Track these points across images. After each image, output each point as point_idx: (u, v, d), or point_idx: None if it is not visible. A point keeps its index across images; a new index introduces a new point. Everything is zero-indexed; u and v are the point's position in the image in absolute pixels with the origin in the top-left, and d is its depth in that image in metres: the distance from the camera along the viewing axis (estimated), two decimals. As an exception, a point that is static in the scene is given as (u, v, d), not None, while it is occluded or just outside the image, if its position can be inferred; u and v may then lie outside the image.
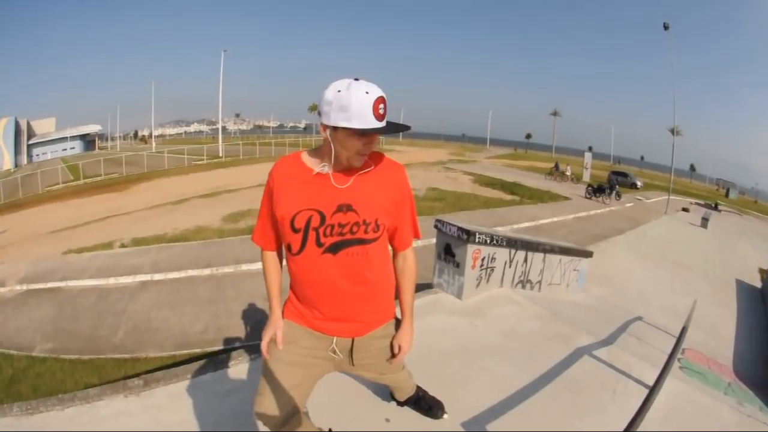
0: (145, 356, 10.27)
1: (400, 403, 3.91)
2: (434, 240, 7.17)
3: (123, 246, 18.53)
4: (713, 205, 52.60)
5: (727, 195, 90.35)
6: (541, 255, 8.41)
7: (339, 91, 2.24)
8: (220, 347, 10.42)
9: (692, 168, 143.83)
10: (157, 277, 14.78)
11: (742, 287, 15.91)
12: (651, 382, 4.62)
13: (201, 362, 4.60)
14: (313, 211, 2.49)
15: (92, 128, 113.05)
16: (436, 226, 6.85)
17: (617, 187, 40.05)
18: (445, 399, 4.01)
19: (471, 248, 6.51)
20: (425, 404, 3.89)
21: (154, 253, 17.30)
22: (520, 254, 7.82)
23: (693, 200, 56.31)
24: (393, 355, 2.90)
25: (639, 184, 59.30)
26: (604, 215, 31.46)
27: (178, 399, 4.07)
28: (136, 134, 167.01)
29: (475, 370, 4.79)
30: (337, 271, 2.55)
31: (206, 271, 14.97)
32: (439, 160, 60.17)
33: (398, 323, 2.97)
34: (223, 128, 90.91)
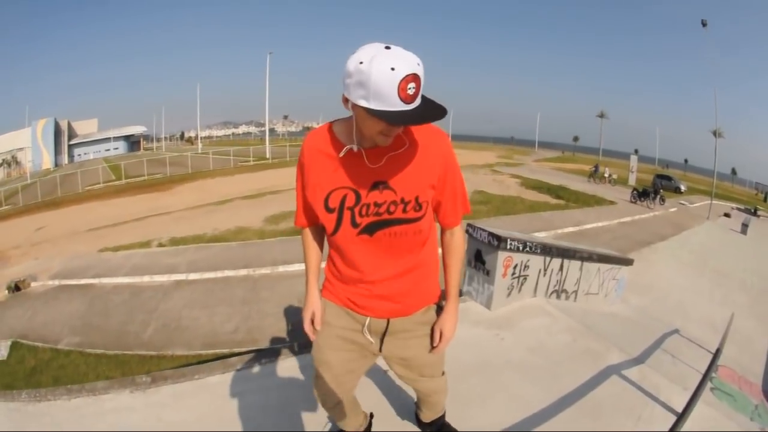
0: (172, 354, 10.32)
1: (425, 426, 3.61)
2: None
3: (161, 245, 18.76)
4: (753, 210, 51.58)
5: (765, 200, 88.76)
6: (578, 263, 8.02)
7: (361, 62, 1.85)
8: (248, 348, 10.05)
9: (733, 171, 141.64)
10: (193, 276, 14.86)
11: (779, 295, 15.45)
12: (678, 408, 4.38)
13: (210, 364, 4.53)
14: (348, 190, 2.29)
15: (136, 129, 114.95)
16: (467, 231, 6.52)
17: (661, 191, 39.56)
18: (457, 417, 3.80)
19: (502, 255, 6.23)
20: None
21: (191, 252, 17.44)
22: (556, 262, 7.45)
23: (734, 205, 55.22)
24: (433, 345, 2.72)
25: (683, 188, 58.20)
26: (648, 220, 30.88)
27: (182, 398, 4.02)
28: (182, 136, 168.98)
29: (493, 387, 4.55)
30: (373, 253, 2.40)
31: (243, 272, 14.97)
32: (487, 163, 60.09)
33: (440, 310, 2.75)
34: (272, 130, 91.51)
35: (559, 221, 25.12)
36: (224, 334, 11.30)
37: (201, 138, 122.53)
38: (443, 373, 3.10)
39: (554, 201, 32.91)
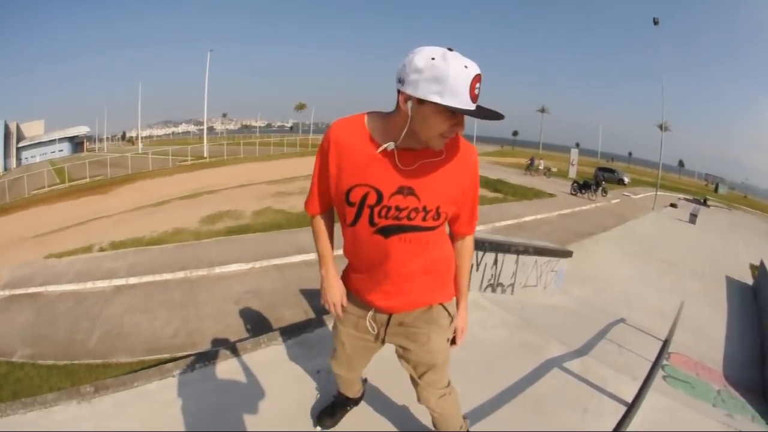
0: (116, 362, 10.05)
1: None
2: None
3: (102, 250, 18.28)
4: (702, 201, 52.79)
5: (716, 190, 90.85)
6: (513, 256, 7.87)
7: (433, 59, 1.86)
8: (187, 353, 9.74)
9: (681, 164, 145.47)
10: (132, 281, 14.52)
11: (733, 284, 15.33)
12: (629, 398, 4.24)
13: (148, 371, 4.37)
14: (371, 189, 2.25)
15: (80, 130, 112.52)
16: None
17: (603, 183, 40.06)
18: (393, 418, 3.83)
19: None
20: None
21: (131, 256, 17.04)
22: (489, 256, 7.38)
23: (681, 196, 56.41)
24: (453, 341, 2.82)
25: (626, 180, 59.65)
26: (590, 212, 31.36)
27: (124, 407, 3.91)
28: (123, 136, 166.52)
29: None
30: (384, 253, 2.39)
31: (180, 275, 14.71)
32: None
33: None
34: (210, 128, 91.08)
35: (496, 215, 24.96)
36: (165, 338, 11.06)
37: (141, 138, 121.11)
38: (449, 385, 3.02)
39: (492, 195, 32.92)
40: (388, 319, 2.66)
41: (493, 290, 7.59)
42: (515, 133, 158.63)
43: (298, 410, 3.84)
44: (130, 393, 4.04)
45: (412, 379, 2.91)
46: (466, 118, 2.00)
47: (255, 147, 62.89)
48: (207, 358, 4.50)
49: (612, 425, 3.33)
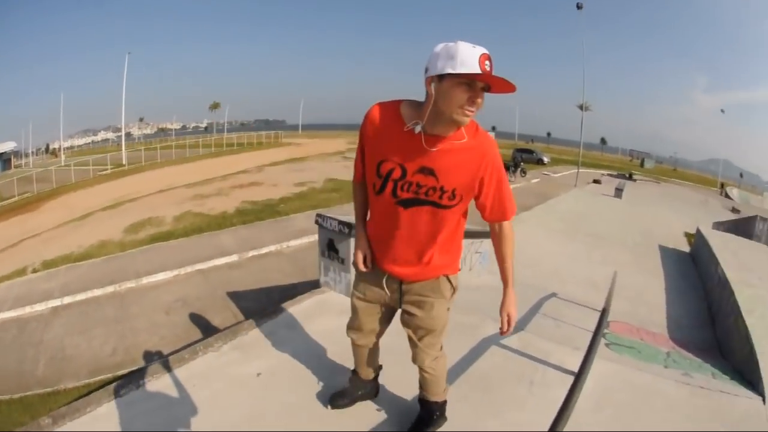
0: (64, 388, 9.81)
1: (421, 402, 3.67)
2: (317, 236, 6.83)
3: (35, 271, 17.71)
4: (628, 175, 53.99)
5: (642, 165, 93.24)
6: None
7: (447, 44, 2.32)
8: (127, 370, 9.98)
9: (603, 141, 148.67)
10: (67, 300, 14.12)
11: (668, 253, 15.65)
12: (574, 368, 4.25)
13: (97, 393, 4.26)
14: (397, 165, 2.62)
15: (7, 146, 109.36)
16: (316, 222, 6.48)
17: (522, 164, 41.08)
18: (322, 412, 3.89)
19: (353, 242, 5.93)
20: (420, 427, 3.64)
21: (62, 275, 16.54)
22: None
23: (605, 172, 57.68)
24: (502, 328, 3.04)
25: (546, 159, 61.18)
26: (516, 192, 31.08)
27: None
28: (47, 148, 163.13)
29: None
30: (402, 222, 2.77)
31: (110, 289, 14.40)
32: (338, 150, 59.82)
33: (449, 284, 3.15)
34: (128, 134, 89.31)
35: None
36: (105, 357, 10.80)
37: (64, 149, 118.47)
38: (441, 349, 3.40)
39: None
40: (400, 286, 3.04)
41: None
42: None
43: (244, 416, 3.84)
44: (85, 419, 3.94)
45: (411, 341, 3.26)
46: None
47: (172, 150, 62.01)
48: (149, 373, 4.41)
49: (561, 395, 3.30)
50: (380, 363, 3.89)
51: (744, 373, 5.98)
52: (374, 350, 3.65)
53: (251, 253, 16.21)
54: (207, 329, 10.75)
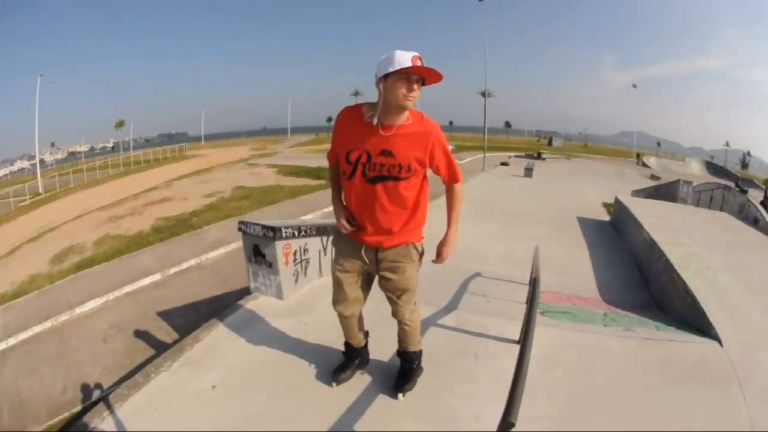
0: None
1: (400, 356, 4.23)
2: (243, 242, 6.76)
3: (-23, 314, 17.25)
4: (536, 155, 55.22)
5: (550, 144, 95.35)
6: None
7: (387, 53, 3.16)
8: (81, 406, 9.87)
9: (507, 124, 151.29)
10: (11, 341, 13.79)
11: (587, 223, 15.99)
12: (514, 337, 4.63)
13: None
14: (363, 152, 3.35)
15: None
16: (240, 229, 6.47)
17: None
18: (290, 412, 4.01)
19: (280, 244, 6.21)
20: (402, 380, 4.16)
21: (1, 315, 16.09)
22: (322, 241, 7.37)
23: (512, 153, 58.80)
24: (435, 259, 3.86)
25: (450, 147, 61.49)
26: None
27: None
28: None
29: (315, 372, 4.54)
30: (373, 196, 3.46)
31: (48, 324, 14.15)
32: (242, 158, 59.57)
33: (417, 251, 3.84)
34: (41, 161, 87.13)
35: (323, 201, 25.19)
36: (58, 396, 10.57)
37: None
38: (415, 304, 4.00)
39: (315, 183, 33.36)
40: (376, 254, 3.68)
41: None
42: (330, 119, 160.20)
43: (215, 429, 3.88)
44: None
45: (391, 300, 3.88)
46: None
47: (84, 174, 60.99)
48: (112, 402, 4.32)
49: (507, 363, 3.64)
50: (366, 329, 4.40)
51: (690, 322, 6.23)
52: (360, 318, 4.20)
53: (173, 270, 16.25)
54: (146, 352, 10.74)
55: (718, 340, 5.26)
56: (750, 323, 6.06)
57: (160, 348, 10.30)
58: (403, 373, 4.18)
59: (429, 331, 5.06)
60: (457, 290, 7.06)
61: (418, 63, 3.05)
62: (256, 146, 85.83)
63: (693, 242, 9.98)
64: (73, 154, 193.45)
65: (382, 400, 4.03)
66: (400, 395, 4.06)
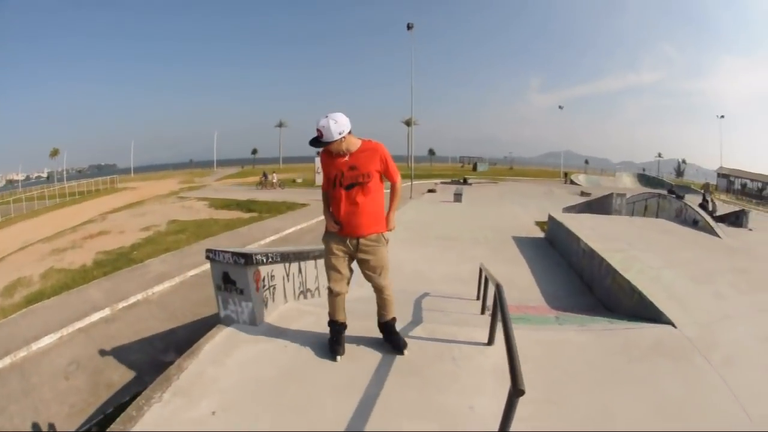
0: None
1: (382, 327, 5.45)
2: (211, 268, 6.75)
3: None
4: (462, 181, 55.57)
5: (474, 169, 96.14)
6: (312, 262, 8.31)
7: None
8: None
9: (431, 152, 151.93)
10: None
11: (523, 241, 16.74)
12: (482, 340, 5.21)
13: None
14: (338, 171, 4.92)
15: None
16: (208, 257, 6.40)
17: None
18: (299, 425, 4.15)
19: (251, 270, 6.25)
20: (396, 340, 5.35)
21: None
22: (294, 266, 7.66)
23: (437, 180, 59.23)
24: (386, 226, 5.27)
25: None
26: None
27: None
28: None
29: (310, 392, 4.72)
30: (349, 200, 4.96)
31: (8, 360, 13.67)
32: (171, 191, 58.39)
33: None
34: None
35: (258, 233, 25.76)
36: None
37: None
38: (389, 280, 5.34)
39: (247, 215, 33.52)
40: (357, 242, 5.03)
41: (305, 296, 7.89)
42: (254, 152, 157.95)
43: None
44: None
45: (372, 278, 5.18)
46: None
47: (23, 204, 59.51)
48: None
49: (484, 362, 4.31)
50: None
51: (640, 315, 6.96)
52: (344, 297, 5.35)
53: (121, 305, 15.65)
54: (110, 389, 10.72)
55: (671, 323, 5.98)
56: (701, 307, 6.85)
57: (123, 385, 10.64)
58: (392, 337, 5.37)
59: (408, 341, 5.31)
60: (413, 308, 7.42)
61: (317, 131, 4.77)
62: (183, 179, 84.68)
63: (631, 248, 10.84)
64: (11, 182, 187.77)
65: (383, 400, 4.31)
66: (405, 351, 5.20)
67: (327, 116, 4.72)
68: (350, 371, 4.99)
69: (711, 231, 14.40)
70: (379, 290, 5.30)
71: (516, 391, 2.83)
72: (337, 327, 5.39)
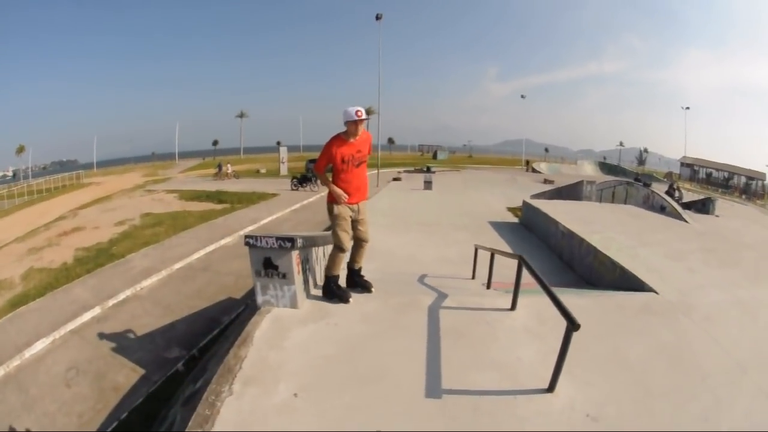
0: None
1: (356, 272, 7.23)
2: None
3: None
4: (425, 169, 55.93)
5: (434, 157, 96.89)
6: (321, 249, 8.59)
7: (346, 109, 6.37)
8: None
9: (390, 141, 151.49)
10: None
11: (499, 226, 17.93)
12: (506, 306, 6.34)
13: None
14: (348, 154, 6.41)
15: None
16: (247, 243, 6.46)
17: None
18: (380, 398, 4.47)
19: (294, 254, 6.43)
20: (366, 282, 7.23)
21: None
22: (320, 250, 8.24)
23: (401, 169, 60.63)
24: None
25: None
26: (318, 201, 32.74)
27: None
28: None
29: (377, 361, 5.19)
30: (358, 173, 6.61)
31: (0, 372, 13.01)
32: (137, 185, 56.22)
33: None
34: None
35: (236, 224, 25.50)
36: None
37: None
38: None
39: (219, 206, 33.04)
40: (358, 207, 6.73)
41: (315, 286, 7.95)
42: (215, 143, 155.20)
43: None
44: None
45: (363, 233, 6.89)
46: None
47: None
48: None
49: (512, 324, 5.47)
50: None
51: (624, 287, 8.27)
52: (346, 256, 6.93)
53: (111, 302, 15.31)
54: (118, 392, 10.30)
55: (654, 291, 7.46)
56: (677, 279, 8.24)
57: (131, 386, 10.38)
58: (363, 279, 7.23)
59: (440, 313, 6.29)
60: (427, 286, 8.50)
61: (360, 113, 6.32)
62: (147, 172, 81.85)
63: (607, 230, 12.22)
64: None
65: (445, 359, 5.03)
66: (372, 289, 7.12)
67: (356, 107, 6.41)
68: (404, 340, 5.61)
69: (678, 216, 16.02)
70: (365, 241, 7.07)
71: (574, 326, 4.06)
72: (336, 278, 6.88)
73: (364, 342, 5.60)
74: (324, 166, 6.69)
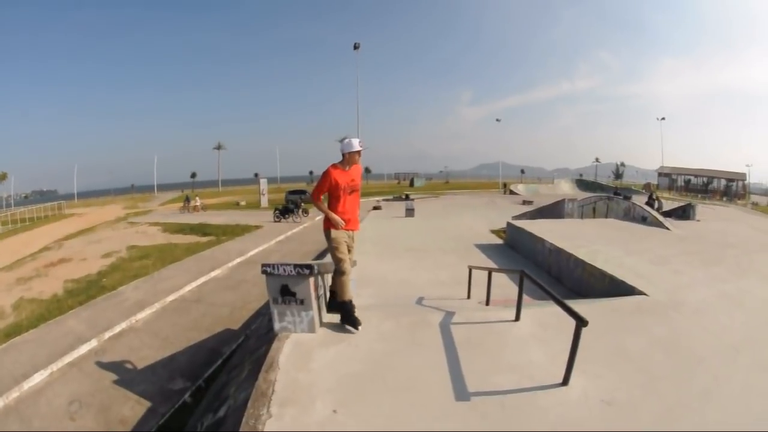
0: None
1: (341, 304, 7.02)
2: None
3: None
4: (404, 197, 57.00)
5: (411, 184, 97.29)
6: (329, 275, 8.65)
7: (346, 140, 7.00)
8: None
9: (367, 170, 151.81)
10: None
11: (485, 247, 18.43)
12: (510, 318, 6.85)
13: None
14: (344, 182, 6.79)
15: None
16: (264, 271, 6.72)
17: (302, 204, 43.13)
18: (417, 411, 4.78)
19: (311, 281, 6.67)
20: (353, 318, 6.90)
21: None
22: (328, 277, 8.08)
23: (379, 198, 61.00)
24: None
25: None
26: (303, 233, 34.31)
27: None
28: None
29: (404, 373, 5.53)
30: (351, 201, 6.98)
31: (0, 404, 12.89)
32: (119, 217, 55.56)
33: None
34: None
35: (223, 256, 25.80)
36: None
37: None
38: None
39: (204, 239, 33.63)
40: (353, 235, 7.17)
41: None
42: (193, 175, 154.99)
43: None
44: None
45: (350, 252, 7.11)
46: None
47: None
48: None
49: (519, 333, 6.10)
50: None
51: (613, 294, 8.88)
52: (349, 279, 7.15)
53: (107, 335, 15.17)
54: (125, 425, 10.23)
55: (643, 293, 8.18)
56: (664, 281, 9.00)
57: (139, 419, 10.31)
58: (348, 319, 7.07)
59: (450, 327, 6.78)
60: (427, 307, 8.70)
61: (360, 145, 6.82)
62: (127, 204, 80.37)
63: (592, 244, 12.91)
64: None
65: (466, 366, 5.51)
66: (359, 327, 6.90)
67: (356, 138, 7.06)
68: (423, 353, 6.01)
69: (660, 225, 16.90)
70: (352, 257, 7.48)
71: (582, 323, 4.65)
72: (351, 304, 6.99)
73: (387, 358, 5.92)
74: (322, 195, 7.01)
